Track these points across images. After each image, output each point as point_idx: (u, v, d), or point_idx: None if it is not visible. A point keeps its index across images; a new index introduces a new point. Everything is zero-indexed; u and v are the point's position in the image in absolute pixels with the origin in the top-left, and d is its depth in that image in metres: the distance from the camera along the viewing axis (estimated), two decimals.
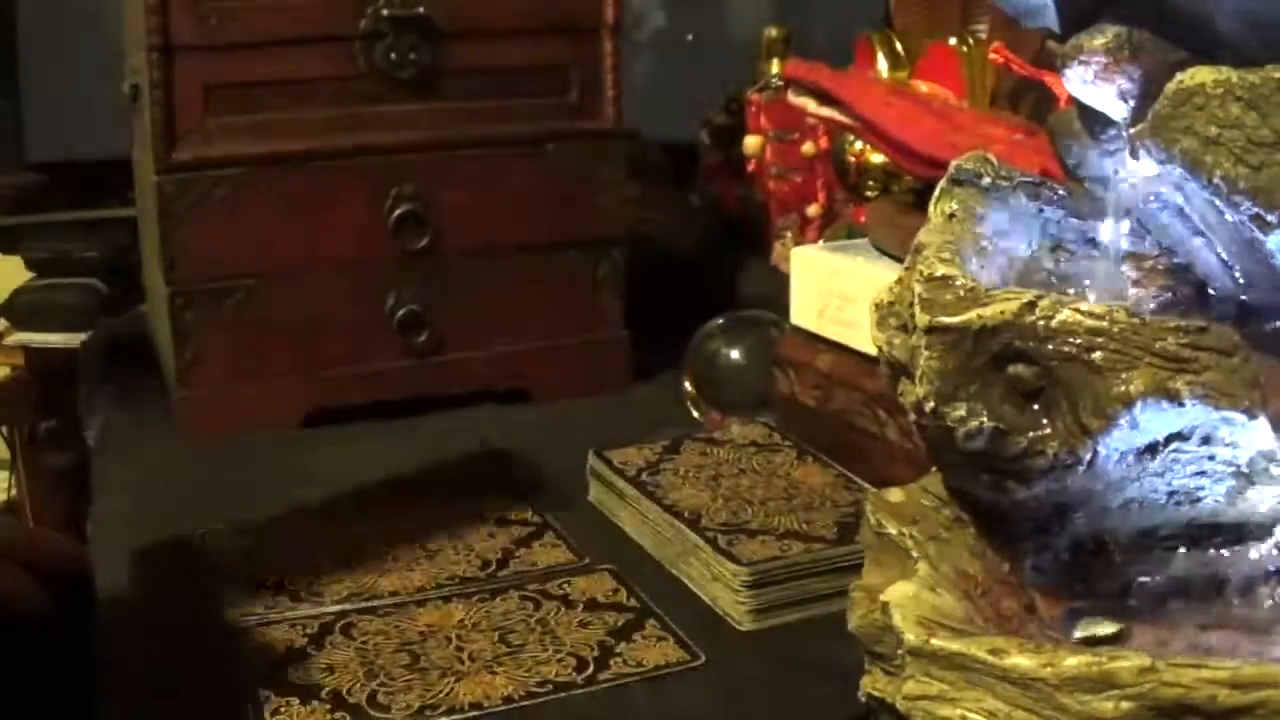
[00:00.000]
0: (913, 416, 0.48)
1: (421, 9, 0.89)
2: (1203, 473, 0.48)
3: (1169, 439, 0.46)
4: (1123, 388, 0.44)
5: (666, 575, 0.70)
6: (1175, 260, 0.50)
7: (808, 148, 1.09)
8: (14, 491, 1.75)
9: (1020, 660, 0.41)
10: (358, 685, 0.59)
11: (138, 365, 1.02)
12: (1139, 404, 0.44)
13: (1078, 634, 0.49)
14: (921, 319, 0.46)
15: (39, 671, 0.72)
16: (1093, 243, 0.52)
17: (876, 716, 0.46)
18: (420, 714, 0.57)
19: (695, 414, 0.91)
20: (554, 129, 0.95)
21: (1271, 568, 0.49)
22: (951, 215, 0.51)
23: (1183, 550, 0.50)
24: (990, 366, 0.46)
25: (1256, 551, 0.49)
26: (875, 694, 0.45)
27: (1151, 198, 0.48)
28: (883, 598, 0.45)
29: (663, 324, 0.95)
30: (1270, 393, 0.45)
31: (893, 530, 0.49)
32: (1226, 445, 0.46)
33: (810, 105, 0.82)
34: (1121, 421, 0.44)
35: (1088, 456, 0.45)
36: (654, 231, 1.22)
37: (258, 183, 0.88)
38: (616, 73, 0.96)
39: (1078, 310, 0.45)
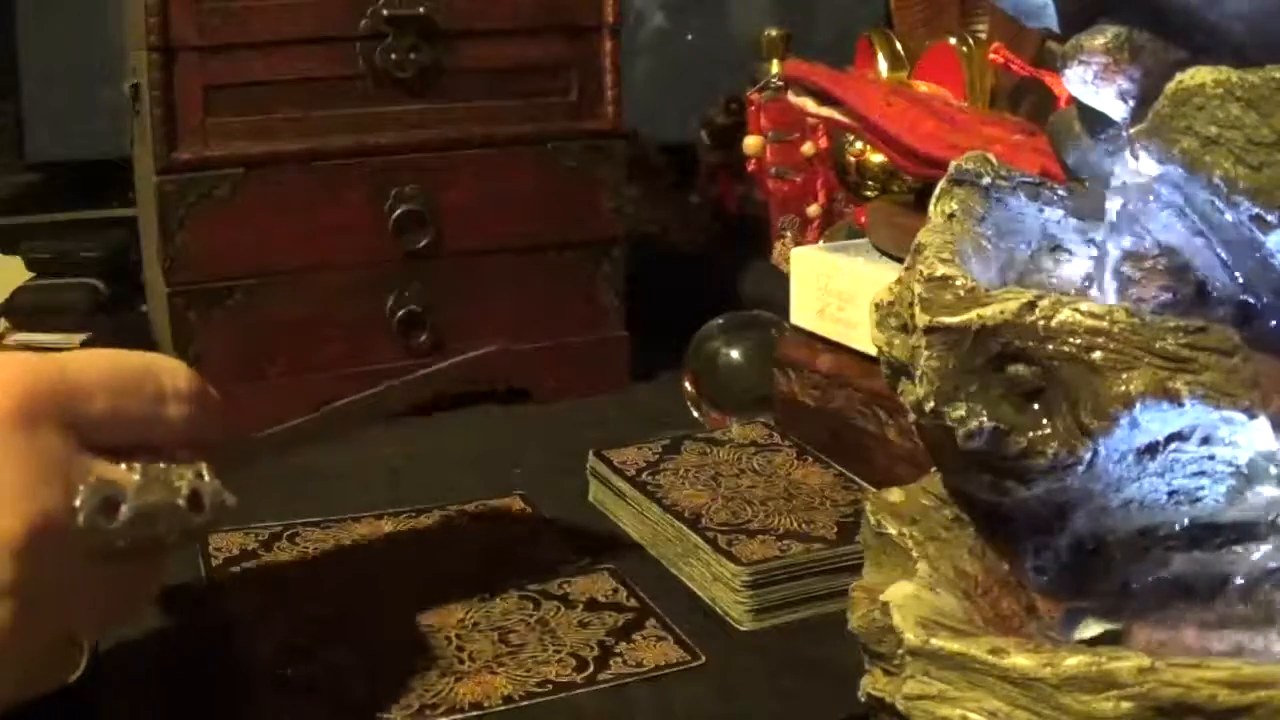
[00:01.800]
0: (913, 416, 0.48)
1: (421, 9, 0.90)
2: (1203, 473, 0.48)
3: (1169, 439, 0.46)
4: (1123, 388, 0.44)
5: (666, 575, 0.70)
6: (1175, 260, 0.50)
7: (808, 148, 1.09)
8: None
9: (1020, 660, 0.41)
10: (358, 685, 0.59)
11: None
12: (1139, 404, 0.44)
13: (1078, 634, 0.49)
14: (921, 319, 0.46)
15: None
16: (1093, 243, 0.52)
17: (876, 716, 0.46)
18: (420, 714, 0.57)
19: (695, 414, 0.91)
20: (554, 129, 0.95)
21: (1272, 567, 0.49)
22: (951, 215, 0.51)
23: (1183, 550, 0.50)
24: (990, 366, 0.46)
25: (1256, 551, 0.49)
26: (875, 694, 0.45)
27: (1151, 198, 0.48)
28: (883, 598, 0.45)
29: (663, 324, 0.95)
30: (1270, 393, 0.45)
31: (893, 530, 0.49)
32: (1226, 445, 0.46)
33: (810, 105, 0.82)
34: (1121, 421, 0.44)
35: (1088, 456, 0.45)
36: (654, 231, 1.22)
37: (258, 183, 0.88)
38: (616, 73, 0.96)
39: (1078, 310, 0.45)
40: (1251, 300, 0.48)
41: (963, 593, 0.47)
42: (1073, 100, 0.50)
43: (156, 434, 0.49)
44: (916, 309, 0.47)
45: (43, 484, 0.44)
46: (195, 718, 0.59)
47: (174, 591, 0.68)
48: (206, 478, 0.50)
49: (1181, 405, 0.44)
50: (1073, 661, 0.40)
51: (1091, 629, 0.49)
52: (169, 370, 0.49)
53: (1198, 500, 0.48)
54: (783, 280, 0.90)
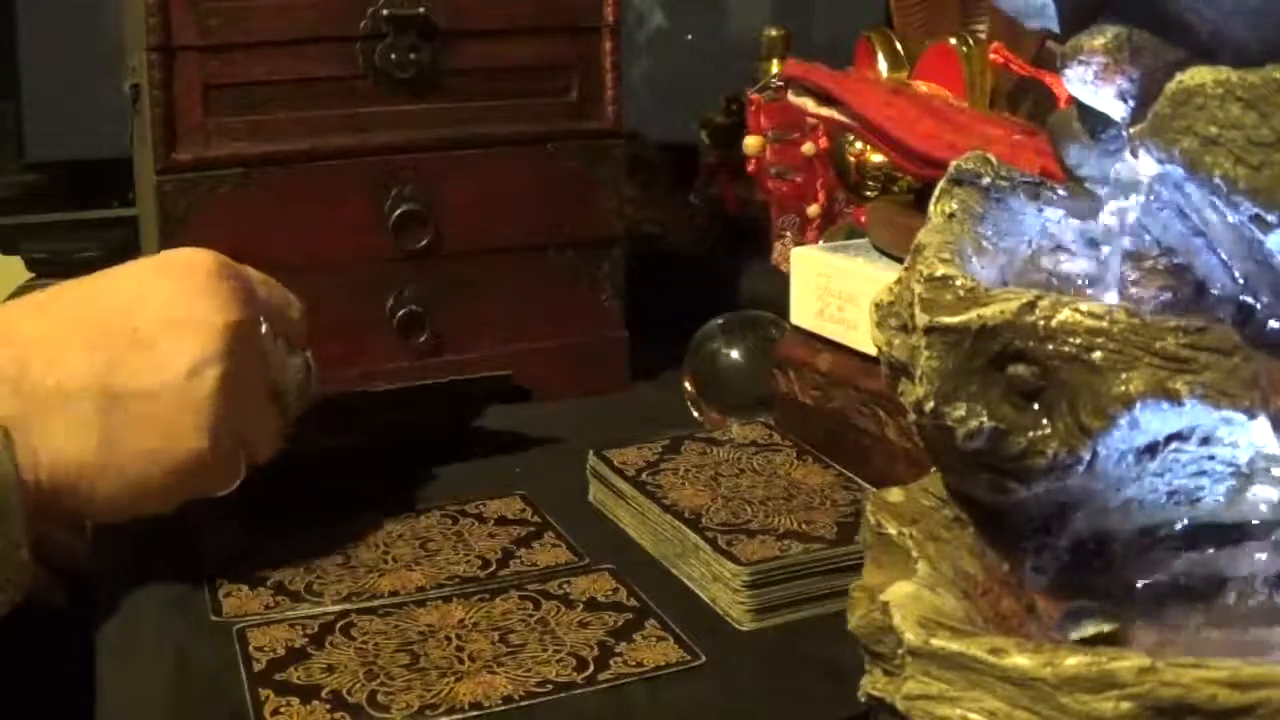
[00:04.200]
0: (913, 416, 0.48)
1: (421, 9, 0.90)
2: (1203, 473, 0.48)
3: (1169, 439, 0.46)
4: (1123, 388, 0.44)
5: (666, 575, 0.70)
6: (1175, 260, 0.50)
7: (808, 148, 1.09)
8: None
9: (1020, 660, 0.41)
10: (358, 685, 0.59)
11: None
12: (1139, 404, 0.44)
13: (1077, 634, 0.49)
14: (921, 319, 0.46)
15: (40, 666, 0.72)
16: (1093, 243, 0.52)
17: (876, 716, 0.46)
18: (420, 714, 0.57)
19: (695, 414, 0.91)
20: (554, 129, 0.95)
21: (1272, 568, 0.49)
22: (951, 215, 0.51)
23: (1183, 550, 0.50)
24: (990, 366, 0.46)
25: (1257, 552, 0.49)
26: (875, 694, 0.45)
27: (1151, 198, 0.48)
28: (883, 598, 0.45)
29: (663, 324, 0.95)
30: (1270, 393, 0.45)
31: (893, 530, 0.49)
32: (1226, 445, 0.46)
33: (810, 105, 0.82)
34: (1121, 421, 0.44)
35: (1088, 456, 0.45)
36: (654, 231, 1.23)
37: (258, 183, 0.88)
38: (616, 73, 0.96)
39: (1078, 310, 0.45)
40: (1251, 300, 0.48)
41: (963, 593, 0.47)
42: (1073, 100, 0.50)
43: (287, 329, 0.71)
44: (916, 309, 0.47)
45: (245, 304, 0.66)
46: (194, 716, 0.59)
47: (174, 592, 0.68)
48: (309, 359, 0.73)
49: (1181, 405, 0.44)
50: (1073, 661, 0.40)
51: (1091, 629, 0.49)
52: (290, 293, 0.73)
53: (1198, 500, 0.48)
54: (783, 280, 0.90)
